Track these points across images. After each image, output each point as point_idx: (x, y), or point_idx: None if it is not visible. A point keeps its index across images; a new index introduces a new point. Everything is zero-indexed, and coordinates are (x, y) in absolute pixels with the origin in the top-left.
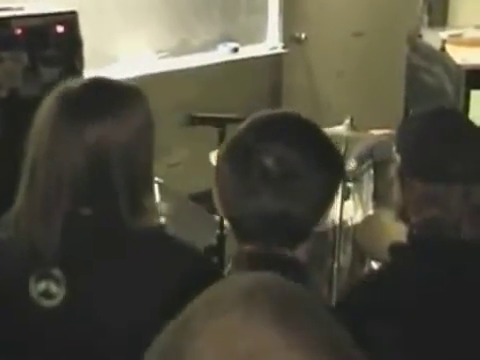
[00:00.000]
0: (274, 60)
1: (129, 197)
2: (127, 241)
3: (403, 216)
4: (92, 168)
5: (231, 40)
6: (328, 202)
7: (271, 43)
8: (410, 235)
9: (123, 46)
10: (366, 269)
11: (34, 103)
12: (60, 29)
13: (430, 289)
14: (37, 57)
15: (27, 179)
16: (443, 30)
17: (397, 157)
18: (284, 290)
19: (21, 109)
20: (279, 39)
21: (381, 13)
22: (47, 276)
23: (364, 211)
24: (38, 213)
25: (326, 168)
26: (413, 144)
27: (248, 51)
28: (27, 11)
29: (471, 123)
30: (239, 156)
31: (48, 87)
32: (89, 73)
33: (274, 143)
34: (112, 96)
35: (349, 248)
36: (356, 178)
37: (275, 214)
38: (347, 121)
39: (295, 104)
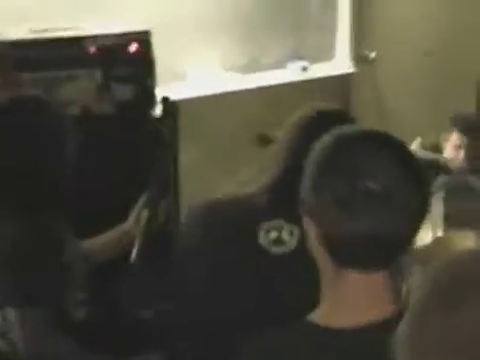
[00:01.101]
0: (343, 79)
1: None
2: None
3: None
4: None
5: (300, 58)
6: (423, 219)
7: (340, 62)
8: None
9: (192, 63)
10: None
11: (106, 121)
12: (133, 48)
13: None
14: (110, 75)
15: None
16: None
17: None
18: None
19: (94, 127)
20: (348, 58)
21: (454, 31)
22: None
23: (434, 233)
24: None
25: (422, 186)
26: None
27: (317, 69)
28: (101, 30)
29: None
30: (341, 181)
31: (120, 105)
32: (158, 91)
33: (376, 164)
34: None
35: (418, 270)
36: None
37: (379, 236)
38: (418, 141)
39: (364, 124)
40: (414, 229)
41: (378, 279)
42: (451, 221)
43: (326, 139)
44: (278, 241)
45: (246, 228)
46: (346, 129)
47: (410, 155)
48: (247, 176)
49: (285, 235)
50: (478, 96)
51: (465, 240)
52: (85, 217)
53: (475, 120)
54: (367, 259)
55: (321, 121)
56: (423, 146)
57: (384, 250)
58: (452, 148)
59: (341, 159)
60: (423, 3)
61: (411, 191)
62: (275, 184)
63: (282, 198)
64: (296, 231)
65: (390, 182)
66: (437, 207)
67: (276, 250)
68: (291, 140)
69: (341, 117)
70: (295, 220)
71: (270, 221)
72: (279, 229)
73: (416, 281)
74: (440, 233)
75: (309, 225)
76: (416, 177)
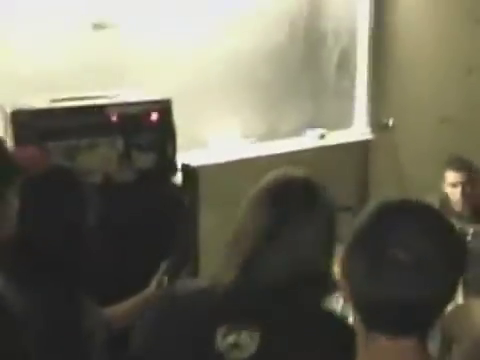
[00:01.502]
0: (361, 146)
1: None
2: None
3: None
4: None
5: (319, 126)
6: (456, 288)
7: (358, 129)
8: None
9: (212, 131)
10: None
11: (128, 189)
12: (154, 117)
13: None
14: (131, 143)
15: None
16: None
17: None
18: None
19: (115, 195)
20: (366, 125)
21: (469, 99)
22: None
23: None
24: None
25: (455, 254)
26: None
27: (335, 137)
28: (123, 99)
29: None
30: (370, 248)
31: (141, 173)
32: (180, 157)
33: (405, 233)
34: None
35: (437, 335)
36: None
37: (408, 303)
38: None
39: (382, 191)
40: (445, 298)
41: (408, 346)
42: (470, 287)
43: (369, 206)
44: (236, 346)
45: (202, 332)
46: (390, 198)
47: (441, 222)
48: None
49: (244, 339)
50: None
51: None
52: (106, 285)
53: (467, 160)
54: (394, 326)
55: (286, 192)
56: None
57: (412, 317)
58: (448, 186)
59: (375, 226)
60: (439, 71)
61: (443, 261)
62: (237, 275)
63: (243, 293)
64: (256, 335)
65: (422, 252)
66: None
67: (234, 356)
68: (255, 218)
69: (307, 185)
70: (256, 320)
71: (228, 323)
72: (238, 333)
73: (436, 349)
74: (460, 300)
75: (344, 289)
76: (450, 247)
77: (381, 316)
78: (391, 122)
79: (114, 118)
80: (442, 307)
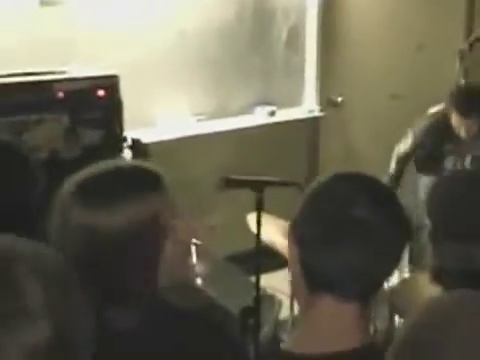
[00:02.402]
0: (311, 123)
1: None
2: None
3: (439, 280)
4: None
5: (268, 103)
6: (400, 258)
7: (308, 106)
8: None
9: (162, 109)
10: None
11: (74, 165)
12: (101, 92)
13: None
14: (78, 120)
15: None
16: None
17: (428, 222)
18: None
19: (61, 171)
20: (316, 102)
21: (418, 76)
22: None
23: (400, 274)
24: None
25: (403, 225)
26: (444, 208)
27: (285, 114)
28: (69, 75)
29: None
30: (329, 208)
31: (88, 149)
32: (129, 135)
33: (364, 197)
34: (128, 188)
35: (385, 311)
36: None
37: (355, 265)
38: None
39: (332, 167)
40: (391, 266)
41: (350, 310)
42: (417, 262)
43: (322, 177)
44: None
45: None
46: (343, 171)
47: (393, 197)
48: (215, 220)
49: None
50: None
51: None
52: None
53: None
54: (340, 287)
55: None
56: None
57: (357, 281)
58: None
59: (331, 189)
60: (388, 48)
61: (392, 230)
62: None
63: None
64: None
65: (376, 216)
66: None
67: None
68: None
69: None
70: None
71: None
72: None
73: (383, 322)
74: (406, 274)
75: (292, 249)
76: (397, 217)
77: (329, 277)
78: (340, 99)
79: (60, 94)
80: (386, 274)
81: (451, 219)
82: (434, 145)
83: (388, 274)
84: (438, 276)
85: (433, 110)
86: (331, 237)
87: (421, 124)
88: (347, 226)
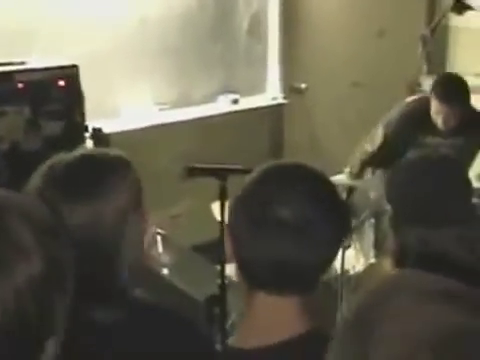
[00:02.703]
0: (275, 110)
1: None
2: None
3: (400, 264)
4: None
5: (231, 91)
6: (336, 251)
7: (271, 94)
8: None
9: (124, 99)
10: None
11: (35, 156)
12: (61, 83)
13: None
14: (39, 110)
15: None
16: None
17: (389, 207)
18: None
19: (22, 162)
20: (279, 90)
21: (380, 62)
22: None
23: (366, 260)
24: None
25: (336, 218)
26: (403, 193)
27: (248, 102)
28: (29, 65)
29: (457, 166)
30: (255, 205)
31: (49, 140)
32: (90, 125)
33: (290, 195)
34: (99, 175)
35: (351, 296)
36: (357, 227)
37: (287, 262)
38: (347, 170)
39: (296, 154)
40: (325, 263)
41: (289, 303)
42: (382, 248)
43: (258, 167)
44: None
45: None
46: (280, 161)
47: (326, 188)
48: (179, 209)
49: None
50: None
51: None
52: None
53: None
54: (275, 284)
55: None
56: (351, 175)
57: (293, 276)
58: (437, 117)
59: (258, 187)
60: (350, 34)
61: (324, 223)
62: None
63: None
64: None
65: (302, 213)
66: (368, 234)
67: None
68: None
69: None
70: None
71: None
72: None
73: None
74: (372, 260)
75: (228, 246)
76: (330, 209)
77: (262, 275)
78: (304, 86)
79: (20, 85)
80: (321, 270)
81: (408, 203)
82: (408, 135)
83: (324, 267)
84: (399, 260)
85: (408, 99)
86: (258, 237)
87: (394, 114)
88: (272, 226)
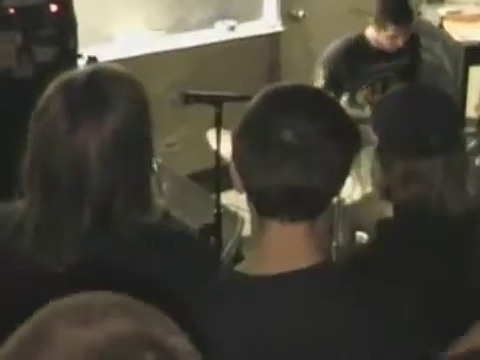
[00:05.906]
0: (271, 38)
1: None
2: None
3: (387, 195)
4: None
5: (228, 18)
6: (346, 173)
7: (268, 21)
8: (396, 213)
9: (118, 25)
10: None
11: (28, 83)
12: (54, 8)
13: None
14: (31, 37)
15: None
16: (442, 6)
17: (375, 137)
18: None
19: (15, 89)
20: (276, 16)
21: None
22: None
23: (362, 188)
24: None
25: (344, 139)
26: (389, 123)
27: (245, 29)
28: None
29: (443, 96)
30: (258, 131)
31: (42, 67)
32: (84, 52)
33: (292, 117)
34: (114, 86)
35: (348, 226)
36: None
37: (297, 187)
38: (345, 98)
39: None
40: (334, 185)
41: (299, 231)
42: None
43: (260, 92)
44: None
45: None
46: (281, 84)
47: (329, 106)
48: (174, 138)
49: None
50: None
51: None
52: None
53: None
54: (284, 210)
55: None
56: (351, 103)
57: (301, 202)
58: (389, 40)
59: (259, 112)
60: None
61: (330, 147)
62: None
63: None
64: None
65: (309, 135)
66: (365, 163)
67: None
68: None
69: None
70: None
71: None
72: None
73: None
74: (369, 189)
75: (235, 175)
76: (337, 133)
77: (271, 202)
78: (301, 13)
79: (12, 11)
80: (331, 193)
81: (394, 137)
82: (351, 69)
83: (333, 191)
84: (386, 192)
85: (343, 37)
86: (265, 163)
87: (332, 51)
88: (277, 150)
